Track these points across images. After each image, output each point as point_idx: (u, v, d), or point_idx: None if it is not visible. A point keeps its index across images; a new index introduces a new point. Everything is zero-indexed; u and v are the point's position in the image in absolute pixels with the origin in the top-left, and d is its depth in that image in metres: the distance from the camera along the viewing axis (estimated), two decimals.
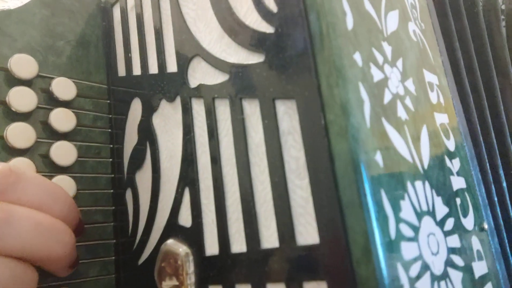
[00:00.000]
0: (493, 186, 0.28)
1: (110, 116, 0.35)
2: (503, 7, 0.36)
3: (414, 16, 0.26)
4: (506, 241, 0.27)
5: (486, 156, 0.29)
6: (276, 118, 0.21)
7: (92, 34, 0.36)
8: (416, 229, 0.19)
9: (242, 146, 0.23)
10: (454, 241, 0.21)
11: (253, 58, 0.22)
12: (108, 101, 0.35)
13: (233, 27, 0.24)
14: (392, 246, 0.17)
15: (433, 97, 0.25)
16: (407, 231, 0.18)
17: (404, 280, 0.17)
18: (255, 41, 0.22)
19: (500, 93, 0.33)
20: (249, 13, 0.23)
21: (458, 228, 0.22)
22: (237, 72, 0.23)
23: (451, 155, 0.24)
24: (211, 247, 0.24)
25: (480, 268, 0.23)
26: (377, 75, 0.20)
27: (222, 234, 0.23)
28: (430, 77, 0.25)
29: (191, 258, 0.25)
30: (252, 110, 0.22)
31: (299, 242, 0.19)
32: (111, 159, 0.34)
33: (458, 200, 0.23)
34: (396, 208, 0.18)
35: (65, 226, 0.25)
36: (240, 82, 0.23)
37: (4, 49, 0.30)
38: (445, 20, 0.30)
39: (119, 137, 0.34)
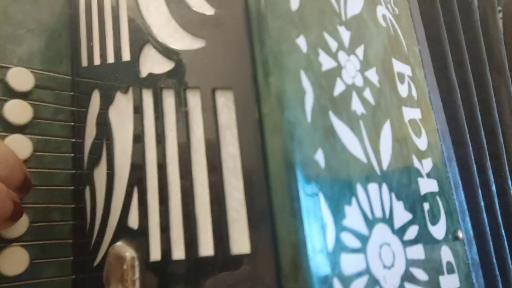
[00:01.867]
0: (479, 190, 0.26)
1: (73, 108, 0.33)
2: None
3: (386, 0, 0.23)
4: (492, 249, 0.25)
5: (473, 157, 0.27)
6: (215, 110, 0.19)
7: (58, 22, 0.34)
8: (364, 239, 0.17)
9: (185, 142, 0.21)
10: (417, 252, 0.19)
11: (196, 44, 0.20)
12: (72, 93, 0.33)
13: (179, 10, 0.22)
14: (328, 259, 0.15)
15: (403, 89, 0.22)
16: (351, 241, 0.16)
17: None
18: (197, 24, 0.20)
19: (493, 90, 0.30)
20: None
21: (424, 237, 0.20)
22: (181, 60, 0.21)
23: (421, 155, 0.22)
24: (155, 252, 0.22)
25: (449, 282, 0.20)
26: (327, 63, 0.18)
27: (164, 239, 0.21)
28: (400, 67, 0.22)
29: (136, 263, 0.23)
30: (195, 102, 0.20)
31: (233, 251, 0.17)
32: (72, 154, 0.32)
33: (426, 205, 0.21)
34: (338, 215, 0.16)
35: None
36: (184, 71, 0.21)
37: None
38: (432, 7, 0.27)
39: (81, 131, 0.32)
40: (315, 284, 0.14)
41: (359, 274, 0.16)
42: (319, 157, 0.16)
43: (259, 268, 0.15)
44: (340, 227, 0.16)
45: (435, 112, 0.24)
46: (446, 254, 0.21)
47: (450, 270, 0.21)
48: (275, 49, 0.16)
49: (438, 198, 0.22)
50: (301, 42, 0.17)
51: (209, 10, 0.19)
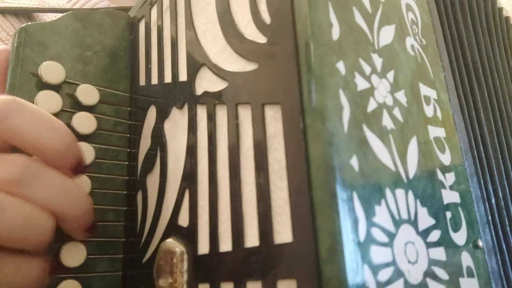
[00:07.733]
0: (487, 204, 0.28)
1: (130, 122, 0.37)
2: None
3: (414, 32, 0.26)
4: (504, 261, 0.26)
5: (481, 173, 0.29)
6: (264, 122, 0.22)
7: (120, 46, 0.39)
8: (391, 235, 0.19)
9: (235, 150, 0.24)
10: (439, 253, 0.21)
11: (249, 67, 0.24)
12: (129, 109, 0.37)
13: (234, 38, 0.25)
14: (360, 249, 0.17)
15: (429, 110, 0.25)
16: (379, 236, 0.19)
17: (371, 282, 0.17)
18: (251, 50, 0.23)
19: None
20: (249, 26, 0.24)
21: (445, 241, 0.22)
22: (235, 80, 0.25)
23: (445, 169, 0.24)
24: (203, 247, 0.25)
25: (469, 285, 0.22)
26: (362, 84, 0.21)
27: (213, 233, 0.24)
28: (427, 91, 0.25)
29: (185, 257, 0.26)
30: (246, 115, 0.24)
31: (276, 241, 0.20)
32: (127, 162, 0.36)
33: (448, 214, 0.23)
34: (369, 212, 0.18)
35: (83, 191, 0.28)
36: (237, 89, 0.24)
37: (37, 57, 0.34)
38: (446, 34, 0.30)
39: (136, 142, 0.36)
40: (349, 268, 0.17)
41: (386, 265, 0.18)
42: (354, 162, 0.19)
43: (300, 254, 0.18)
44: (370, 223, 0.18)
45: (459, 132, 0.27)
46: (466, 259, 0.23)
47: (470, 274, 0.23)
48: (317, 72, 0.19)
49: (460, 208, 0.24)
50: (340, 66, 0.20)
51: (262, 39, 0.23)
